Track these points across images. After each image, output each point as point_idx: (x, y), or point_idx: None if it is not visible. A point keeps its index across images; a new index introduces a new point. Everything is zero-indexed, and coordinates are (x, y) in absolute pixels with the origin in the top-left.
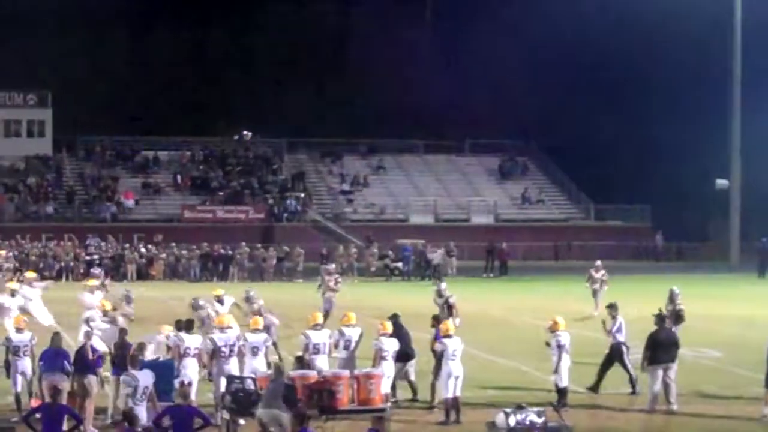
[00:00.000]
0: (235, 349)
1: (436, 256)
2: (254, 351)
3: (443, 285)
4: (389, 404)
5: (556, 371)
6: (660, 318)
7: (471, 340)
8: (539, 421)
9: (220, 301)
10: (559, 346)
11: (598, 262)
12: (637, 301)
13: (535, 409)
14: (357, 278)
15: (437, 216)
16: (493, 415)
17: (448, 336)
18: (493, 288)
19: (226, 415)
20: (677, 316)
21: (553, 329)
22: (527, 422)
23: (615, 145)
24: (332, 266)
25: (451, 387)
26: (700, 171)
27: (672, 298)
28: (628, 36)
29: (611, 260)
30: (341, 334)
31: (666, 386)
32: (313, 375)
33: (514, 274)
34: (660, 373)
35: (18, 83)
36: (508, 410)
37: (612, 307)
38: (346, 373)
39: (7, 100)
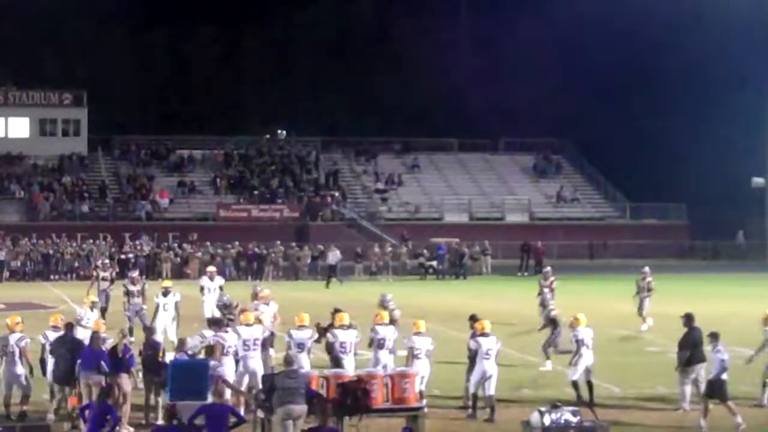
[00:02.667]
0: (259, 344)
1: (332, 256)
2: (300, 347)
3: (389, 296)
4: (424, 402)
5: (571, 364)
6: (688, 318)
7: (505, 340)
8: (574, 420)
9: (164, 294)
10: (578, 341)
11: (548, 269)
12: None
13: (570, 408)
14: (392, 277)
15: (472, 215)
16: (528, 414)
17: (483, 335)
18: (528, 287)
19: (261, 414)
20: (553, 320)
21: (573, 325)
22: (562, 421)
23: (651, 143)
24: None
25: (482, 384)
26: (736, 169)
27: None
28: (664, 35)
29: (648, 259)
30: (374, 332)
31: (696, 385)
32: (347, 374)
33: None
34: (694, 374)
35: (53, 82)
36: (543, 409)
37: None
38: (381, 372)
39: (43, 99)
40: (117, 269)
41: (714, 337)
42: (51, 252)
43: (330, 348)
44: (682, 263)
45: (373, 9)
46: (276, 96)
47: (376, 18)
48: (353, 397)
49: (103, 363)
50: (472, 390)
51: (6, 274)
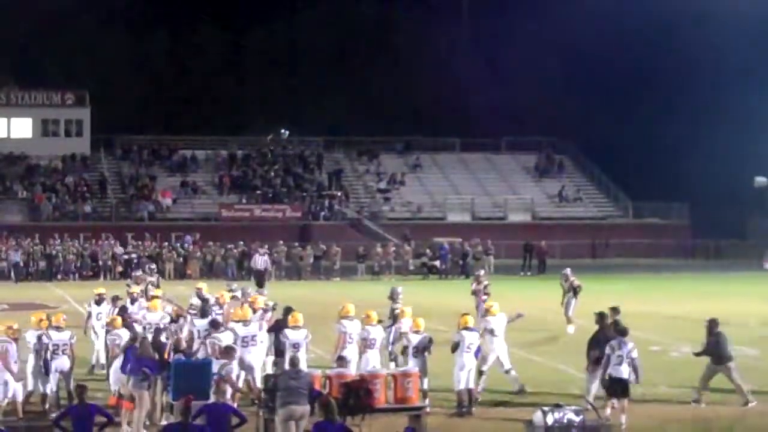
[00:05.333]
0: (257, 340)
1: (260, 261)
2: (296, 348)
3: (255, 291)
4: (427, 402)
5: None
6: (601, 317)
7: (508, 339)
8: (577, 419)
9: (98, 302)
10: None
11: (481, 271)
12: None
13: (573, 407)
14: (394, 277)
15: (474, 214)
16: (531, 414)
17: (467, 329)
18: (531, 286)
19: (263, 414)
20: (395, 317)
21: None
22: (565, 421)
23: (653, 143)
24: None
25: (463, 379)
26: (738, 168)
27: (393, 297)
28: (667, 33)
29: (650, 258)
30: (366, 332)
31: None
32: (350, 374)
33: (551, 272)
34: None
35: (56, 83)
36: (545, 408)
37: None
38: (384, 371)
39: (45, 99)
40: (120, 269)
41: (623, 333)
42: (54, 252)
43: (282, 347)
44: (684, 262)
45: (375, 9)
46: (278, 96)
47: (379, 18)
48: (356, 396)
49: (147, 368)
50: (456, 386)
51: (12, 274)
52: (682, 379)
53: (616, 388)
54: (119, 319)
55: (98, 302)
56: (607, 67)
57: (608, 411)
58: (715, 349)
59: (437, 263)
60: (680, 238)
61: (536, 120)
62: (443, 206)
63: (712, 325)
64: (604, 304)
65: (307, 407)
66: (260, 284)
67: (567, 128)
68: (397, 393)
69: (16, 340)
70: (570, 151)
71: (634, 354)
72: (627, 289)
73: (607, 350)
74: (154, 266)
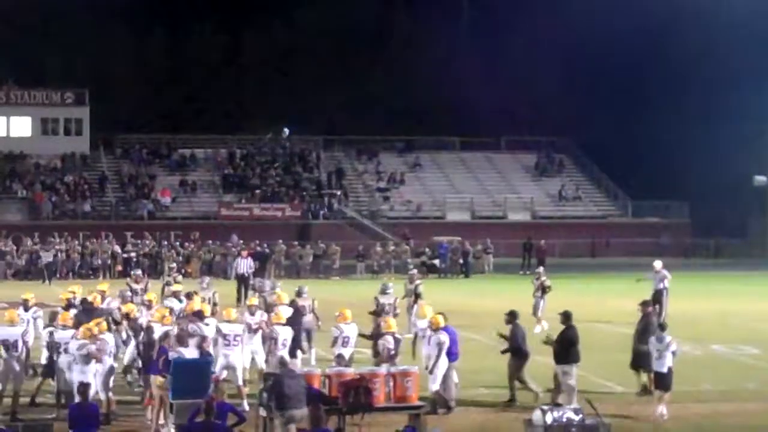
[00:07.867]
0: (240, 339)
1: (243, 265)
2: (284, 344)
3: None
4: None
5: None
6: (566, 316)
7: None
8: (576, 418)
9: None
10: (438, 344)
11: (413, 271)
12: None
13: (572, 406)
14: (393, 276)
15: (474, 213)
16: (530, 413)
17: (444, 329)
18: (530, 285)
19: (263, 413)
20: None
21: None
22: (564, 419)
23: (653, 142)
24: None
25: (439, 379)
26: (738, 167)
27: (384, 291)
28: (666, 34)
29: (649, 257)
30: (338, 330)
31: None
32: (349, 372)
33: (551, 271)
34: (575, 370)
35: (56, 81)
36: (545, 408)
37: None
38: (383, 370)
39: (45, 98)
40: (120, 267)
41: (662, 328)
42: (53, 251)
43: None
44: (684, 261)
45: (375, 8)
46: (278, 95)
47: (378, 16)
48: (355, 395)
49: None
50: (453, 387)
51: (10, 271)
52: (681, 378)
53: (657, 381)
54: (104, 323)
55: (26, 309)
56: (607, 67)
57: (660, 408)
58: (513, 341)
59: (436, 262)
60: (680, 237)
61: (536, 119)
62: (443, 205)
63: (511, 317)
64: (604, 303)
65: (305, 410)
66: (239, 291)
67: (567, 127)
68: (396, 392)
69: (96, 340)
70: (569, 150)
71: (674, 347)
72: (627, 288)
73: (649, 346)
74: (174, 266)
